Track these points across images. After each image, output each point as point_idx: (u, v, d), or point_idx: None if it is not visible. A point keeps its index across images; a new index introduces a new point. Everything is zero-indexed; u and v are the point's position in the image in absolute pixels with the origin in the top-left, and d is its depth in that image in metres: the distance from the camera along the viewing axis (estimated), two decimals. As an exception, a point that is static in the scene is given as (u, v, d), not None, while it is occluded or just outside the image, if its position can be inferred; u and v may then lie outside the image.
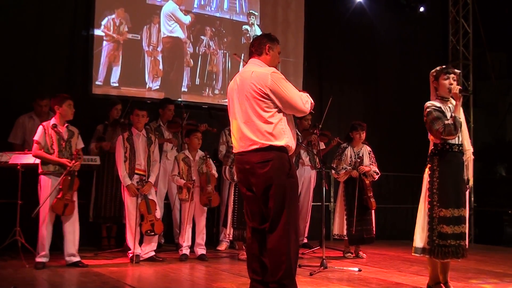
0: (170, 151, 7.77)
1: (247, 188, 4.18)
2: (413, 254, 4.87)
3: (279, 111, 4.08)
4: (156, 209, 6.57)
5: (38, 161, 6.10)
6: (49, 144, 5.96)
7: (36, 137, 5.97)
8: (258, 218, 4.15)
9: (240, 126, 4.11)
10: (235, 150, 4.24)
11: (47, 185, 5.93)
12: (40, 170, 5.98)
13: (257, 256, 4.14)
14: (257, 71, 4.12)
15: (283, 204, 4.00)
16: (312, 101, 4.22)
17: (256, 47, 4.30)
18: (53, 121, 6.06)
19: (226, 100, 8.89)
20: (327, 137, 8.13)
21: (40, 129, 6.01)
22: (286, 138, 4.07)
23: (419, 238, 4.83)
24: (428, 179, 4.82)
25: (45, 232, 5.90)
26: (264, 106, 4.04)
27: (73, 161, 5.95)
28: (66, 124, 6.12)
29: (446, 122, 4.67)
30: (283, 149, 4.06)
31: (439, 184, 4.75)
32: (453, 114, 4.72)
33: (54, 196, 5.93)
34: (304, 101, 4.13)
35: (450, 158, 4.77)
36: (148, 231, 6.45)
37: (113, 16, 8.28)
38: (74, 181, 6.01)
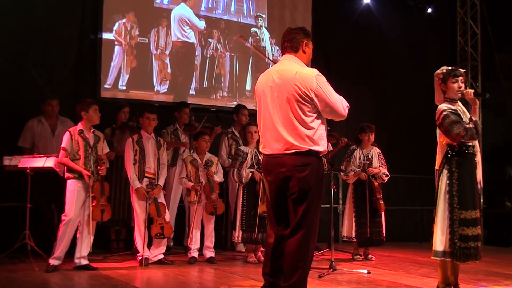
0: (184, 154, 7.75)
1: (275, 190, 4.06)
2: (433, 257, 4.81)
3: (318, 115, 3.98)
4: (166, 212, 6.58)
5: (47, 164, 6.13)
6: (75, 150, 5.98)
7: (63, 144, 5.98)
8: (283, 222, 4.06)
9: (278, 128, 3.98)
10: (266, 151, 4.08)
11: (74, 188, 5.93)
12: (66, 176, 6.00)
13: (276, 260, 4.05)
14: (301, 72, 3.97)
15: (310, 210, 3.93)
16: (349, 106, 4.11)
17: (293, 43, 4.14)
18: (79, 126, 6.09)
19: (234, 102, 9.00)
20: (334, 138, 8.11)
21: (66, 135, 6.02)
22: (324, 143, 4.02)
23: (439, 241, 4.76)
24: (447, 182, 4.76)
25: (66, 235, 5.89)
26: (306, 110, 3.93)
27: (98, 167, 6.03)
28: (92, 130, 6.16)
29: (467, 126, 4.65)
30: (319, 154, 4.00)
31: (458, 186, 4.71)
32: (473, 118, 4.72)
33: (85, 204, 5.99)
34: (344, 106, 4.04)
35: (467, 160, 4.77)
36: (158, 234, 6.45)
37: (124, 20, 8.32)
38: (104, 186, 6.09)
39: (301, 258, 3.91)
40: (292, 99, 3.94)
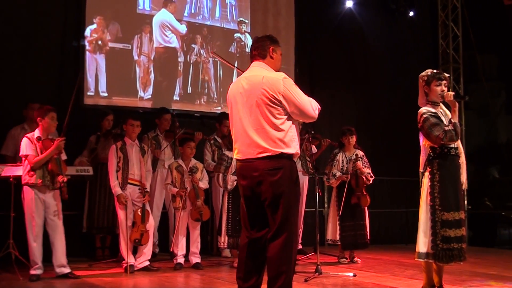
0: (168, 160, 7.73)
1: (250, 195, 4.09)
2: (416, 259, 4.87)
3: (289, 118, 4.02)
4: (149, 221, 6.57)
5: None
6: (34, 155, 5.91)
7: (26, 152, 5.87)
8: (257, 226, 4.08)
9: (249, 133, 4.01)
10: (239, 157, 4.10)
11: (30, 197, 5.88)
12: (23, 181, 5.92)
13: (249, 264, 4.08)
14: (268, 76, 4.03)
15: (289, 213, 3.95)
16: (319, 107, 4.17)
17: (260, 50, 4.21)
18: (36, 133, 5.99)
19: (219, 108, 8.99)
20: (317, 139, 8.14)
21: (25, 141, 5.91)
22: (296, 145, 4.04)
23: (422, 243, 4.81)
24: (429, 183, 4.83)
25: (35, 245, 5.86)
26: (276, 113, 3.97)
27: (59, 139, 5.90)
28: (50, 137, 6.05)
29: (446, 128, 4.71)
30: (292, 157, 4.02)
31: (440, 188, 4.77)
32: (452, 121, 4.77)
33: (48, 212, 5.91)
34: (314, 108, 4.09)
35: (449, 161, 4.82)
36: (136, 240, 6.42)
37: (106, 27, 8.29)
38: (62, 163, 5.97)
39: (284, 262, 3.92)
40: (261, 103, 3.98)
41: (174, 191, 6.82)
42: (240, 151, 4.10)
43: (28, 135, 6.02)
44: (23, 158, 5.96)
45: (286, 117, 4.01)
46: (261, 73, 4.08)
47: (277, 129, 3.96)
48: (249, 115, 4.03)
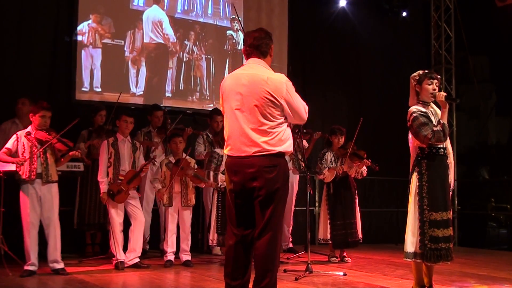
0: (159, 157, 7.70)
1: (240, 191, 4.06)
2: (404, 259, 4.88)
3: (285, 118, 4.07)
4: (134, 189, 6.57)
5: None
6: (20, 152, 5.88)
7: (7, 145, 5.92)
8: (244, 223, 4.08)
9: (246, 130, 4.01)
10: (234, 153, 4.08)
11: (24, 193, 5.87)
12: (16, 178, 5.92)
13: (238, 263, 4.06)
14: (272, 78, 4.05)
15: (277, 210, 3.98)
16: (308, 111, 4.23)
17: (263, 48, 4.20)
18: (28, 129, 5.99)
19: (211, 105, 8.97)
20: (308, 134, 8.14)
21: (12, 137, 5.96)
22: (290, 144, 4.09)
23: (410, 242, 4.82)
24: (417, 183, 4.83)
25: (29, 240, 5.83)
26: (276, 113, 4.00)
27: (21, 159, 5.83)
28: (43, 131, 6.01)
29: (435, 128, 4.71)
30: (285, 155, 4.08)
31: (428, 188, 4.77)
32: (441, 121, 4.78)
33: (44, 207, 5.90)
34: (306, 111, 4.16)
35: (437, 161, 4.82)
36: (110, 192, 6.36)
37: (99, 22, 8.26)
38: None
39: (270, 259, 3.96)
40: (262, 103, 3.99)
41: (156, 188, 6.81)
42: (234, 147, 4.08)
43: (19, 132, 6.02)
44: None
45: (283, 118, 4.05)
46: (263, 72, 4.09)
47: (275, 128, 4.00)
48: (248, 113, 4.03)
